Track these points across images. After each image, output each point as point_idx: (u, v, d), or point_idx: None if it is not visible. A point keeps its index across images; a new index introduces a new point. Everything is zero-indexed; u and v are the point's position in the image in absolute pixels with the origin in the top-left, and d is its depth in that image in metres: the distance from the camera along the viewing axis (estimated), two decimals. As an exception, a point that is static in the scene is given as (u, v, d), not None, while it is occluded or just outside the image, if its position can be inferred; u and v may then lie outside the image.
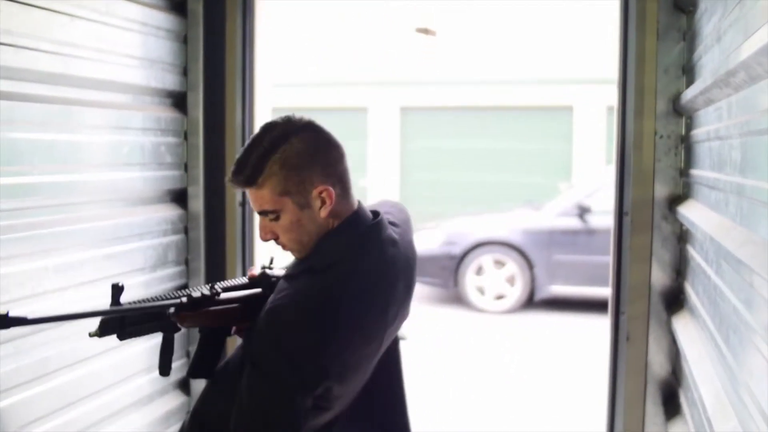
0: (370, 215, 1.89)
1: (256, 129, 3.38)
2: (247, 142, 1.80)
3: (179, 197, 3.30)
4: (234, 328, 1.93)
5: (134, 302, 1.77)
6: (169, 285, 3.22)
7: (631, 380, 2.88)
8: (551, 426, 5.26)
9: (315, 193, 1.77)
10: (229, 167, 3.29)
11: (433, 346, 7.32)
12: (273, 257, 2.02)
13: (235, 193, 3.30)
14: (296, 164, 1.74)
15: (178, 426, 3.27)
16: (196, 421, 1.99)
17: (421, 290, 9.45)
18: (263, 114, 3.38)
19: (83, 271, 2.72)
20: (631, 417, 2.88)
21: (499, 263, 8.90)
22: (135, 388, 3.05)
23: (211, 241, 3.34)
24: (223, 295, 1.85)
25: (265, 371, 1.67)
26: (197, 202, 3.31)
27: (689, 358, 2.31)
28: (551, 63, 13.55)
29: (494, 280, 8.89)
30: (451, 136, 14.25)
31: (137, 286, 3.01)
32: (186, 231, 3.32)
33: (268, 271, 1.94)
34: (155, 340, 3.11)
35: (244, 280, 1.95)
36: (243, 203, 3.35)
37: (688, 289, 2.62)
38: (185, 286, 3.32)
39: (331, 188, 1.78)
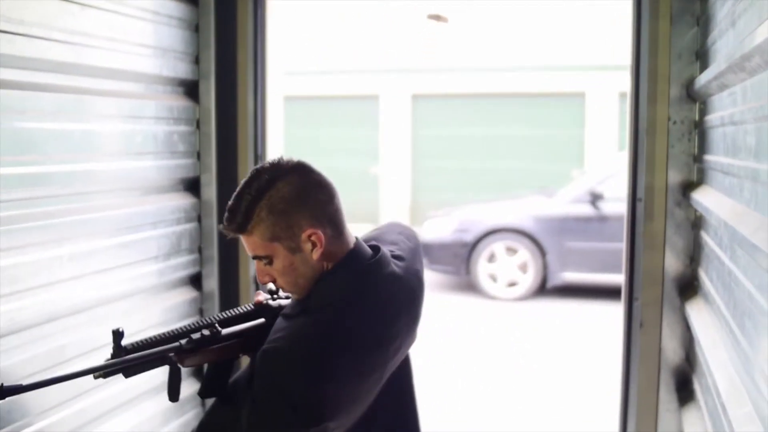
0: (369, 252, 1.88)
1: (268, 117, 3.40)
2: (238, 188, 1.81)
3: (192, 186, 3.31)
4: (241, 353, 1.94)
5: (135, 344, 1.81)
6: (183, 273, 3.23)
7: (644, 367, 2.88)
8: (565, 413, 5.26)
9: (304, 236, 1.77)
10: (242, 155, 3.33)
11: (445, 334, 7.33)
12: (277, 289, 2.01)
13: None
14: (283, 209, 1.75)
15: (191, 414, 3.31)
16: None
17: (433, 278, 9.49)
18: (275, 102, 3.38)
19: (97, 259, 2.73)
20: (645, 403, 2.88)
21: (512, 250, 8.89)
22: (149, 375, 3.05)
23: (224, 230, 3.35)
24: (225, 331, 1.85)
25: (263, 411, 1.71)
26: (210, 191, 3.31)
27: (703, 344, 2.30)
28: (563, 49, 13.50)
29: (506, 268, 8.89)
30: (463, 123, 14.23)
31: (151, 274, 3.03)
32: (199, 219, 3.33)
33: (271, 302, 1.96)
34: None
35: (249, 307, 1.96)
36: (256, 190, 3.35)
37: (702, 275, 2.62)
38: (199, 275, 3.33)
39: (320, 231, 1.78)
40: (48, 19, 2.45)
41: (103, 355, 2.77)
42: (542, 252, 8.76)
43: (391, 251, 1.95)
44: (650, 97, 2.79)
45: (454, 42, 13.94)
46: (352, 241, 1.87)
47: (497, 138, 14.00)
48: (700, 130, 2.74)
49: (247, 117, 3.30)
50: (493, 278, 8.92)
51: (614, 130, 13.51)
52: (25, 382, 1.67)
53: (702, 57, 2.68)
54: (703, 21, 2.67)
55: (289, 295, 1.92)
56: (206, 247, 3.34)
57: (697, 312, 2.56)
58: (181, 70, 3.19)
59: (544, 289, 8.82)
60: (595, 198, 8.61)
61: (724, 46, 2.22)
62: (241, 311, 1.94)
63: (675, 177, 2.79)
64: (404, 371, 2.04)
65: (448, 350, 6.86)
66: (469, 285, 9.07)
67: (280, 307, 1.92)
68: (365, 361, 1.79)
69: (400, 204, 14.62)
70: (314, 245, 1.78)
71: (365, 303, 1.82)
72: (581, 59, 13.41)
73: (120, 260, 2.85)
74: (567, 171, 11.63)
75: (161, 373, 3.09)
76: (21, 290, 2.37)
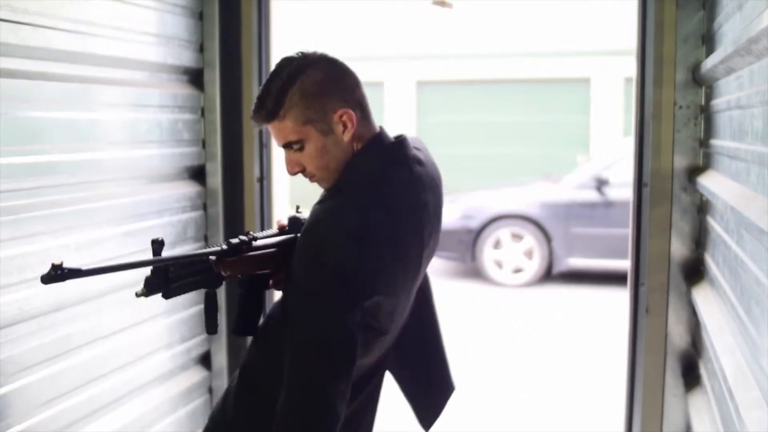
0: (392, 137, 1.93)
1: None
2: (267, 78, 1.83)
3: (197, 174, 3.31)
4: (271, 282, 1.96)
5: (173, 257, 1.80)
6: (189, 261, 3.23)
7: (650, 352, 2.88)
8: (570, 399, 5.27)
9: (336, 117, 1.80)
10: (247, 143, 3.33)
11: (451, 320, 7.34)
12: (299, 205, 2.07)
13: (253, 169, 3.31)
14: (315, 92, 1.78)
15: (199, 401, 3.33)
16: (244, 380, 1.99)
17: (438, 264, 9.50)
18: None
19: (104, 248, 2.74)
20: (651, 388, 2.88)
21: (517, 237, 8.89)
22: (156, 363, 3.08)
23: (230, 217, 3.35)
24: (260, 242, 1.88)
25: (311, 290, 1.69)
26: (215, 179, 3.32)
27: (710, 329, 2.31)
28: (568, 35, 13.45)
29: (512, 254, 8.89)
30: (467, 109, 14.21)
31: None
32: (205, 207, 3.33)
33: (297, 214, 2.00)
34: (174, 316, 3.15)
35: (275, 230, 1.99)
36: (261, 179, 3.36)
37: (708, 260, 2.61)
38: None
39: (351, 111, 1.81)
40: (52, 8, 2.45)
41: (109, 344, 2.81)
42: (548, 238, 8.76)
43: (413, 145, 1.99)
44: (656, 82, 2.78)
45: (459, 28, 13.89)
46: (377, 127, 1.91)
47: (502, 124, 13.98)
48: (706, 115, 2.73)
49: (252, 105, 3.29)
50: (499, 264, 8.92)
51: (619, 116, 13.48)
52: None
53: (708, 41, 2.67)
54: (709, 5, 2.66)
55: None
56: (212, 235, 3.35)
57: (703, 297, 2.56)
58: (186, 58, 3.19)
59: (549, 276, 8.82)
60: (600, 184, 8.60)
61: (730, 30, 2.21)
62: (270, 232, 1.97)
63: (681, 162, 2.78)
64: (427, 289, 2.16)
65: (453, 336, 6.87)
66: (474, 271, 9.08)
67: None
68: (405, 235, 1.82)
69: (405, 191, 14.60)
70: (345, 126, 1.81)
71: (398, 179, 1.84)
72: (586, 44, 13.37)
73: (126, 248, 2.85)
74: (572, 157, 11.60)
75: (168, 361, 3.12)
76: (29, 279, 2.38)
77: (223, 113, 3.30)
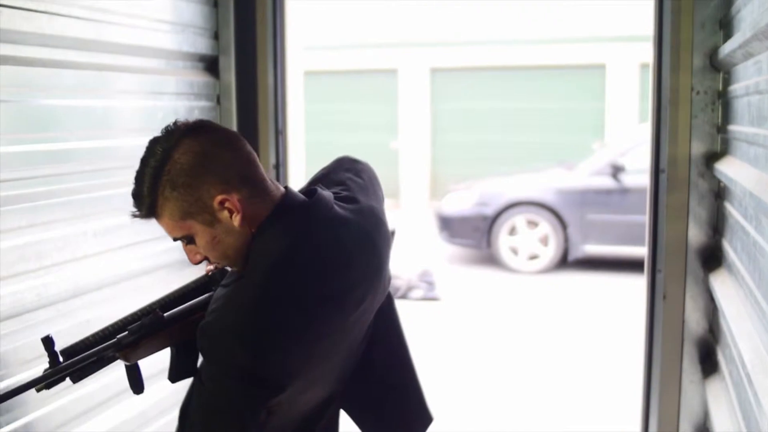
0: (302, 200, 1.69)
1: (288, 92, 3.39)
2: (137, 167, 1.63)
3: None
4: None
5: (71, 347, 1.72)
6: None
7: (667, 338, 2.87)
8: (587, 386, 5.27)
9: (216, 205, 1.58)
10: (263, 130, 3.33)
11: (466, 307, 7.35)
12: None
13: (269, 156, 3.31)
14: (186, 182, 1.56)
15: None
16: (182, 417, 1.83)
17: (454, 251, 9.51)
18: (295, 77, 3.38)
19: (121, 234, 2.75)
20: (668, 375, 2.87)
21: (532, 223, 8.88)
22: (155, 358, 3.07)
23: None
24: (168, 313, 1.72)
25: (215, 391, 1.58)
26: (231, 166, 3.32)
27: (727, 315, 2.29)
28: (583, 21, 13.37)
29: (527, 241, 8.89)
30: (482, 96, 14.17)
31: (173, 249, 3.03)
32: (220, 194, 3.34)
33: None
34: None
35: (199, 280, 1.84)
36: (277, 165, 3.36)
37: (726, 246, 2.60)
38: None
39: (233, 195, 1.59)
40: (69, -5, 2.46)
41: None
42: (563, 225, 8.75)
43: (336, 193, 1.77)
44: (673, 67, 2.76)
45: (473, 14, 13.84)
46: (278, 194, 1.67)
47: (517, 111, 13.94)
48: (723, 100, 2.71)
49: (267, 92, 3.30)
50: (514, 251, 8.92)
51: (635, 102, 13.42)
52: None
53: (726, 26, 2.64)
54: (727, -11, 2.64)
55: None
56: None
57: (720, 283, 2.54)
58: (201, 45, 3.19)
59: (565, 262, 8.81)
60: (616, 170, 8.58)
61: (748, 14, 2.19)
62: (191, 286, 1.81)
63: (698, 148, 2.77)
64: (389, 319, 1.94)
65: (471, 321, 6.88)
66: (490, 258, 9.08)
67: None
68: (315, 319, 1.62)
69: (420, 178, 14.61)
70: (231, 212, 1.59)
71: (304, 256, 1.62)
72: (601, 30, 13.29)
73: (142, 236, 2.87)
74: (587, 143, 11.56)
75: (166, 356, 3.13)
76: (47, 266, 2.40)
77: (239, 100, 3.30)
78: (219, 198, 1.58)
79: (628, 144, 8.97)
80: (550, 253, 8.82)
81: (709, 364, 2.76)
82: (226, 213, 1.59)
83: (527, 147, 13.53)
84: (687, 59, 2.74)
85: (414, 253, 9.20)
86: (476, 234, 8.99)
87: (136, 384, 1.79)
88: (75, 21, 2.49)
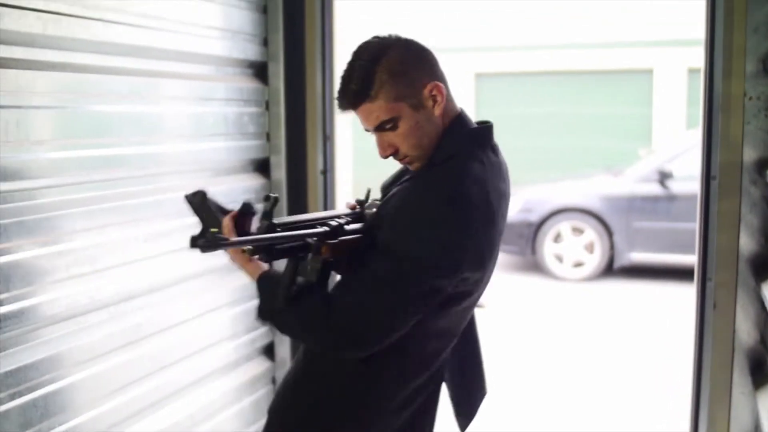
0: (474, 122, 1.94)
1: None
2: (346, 65, 1.82)
3: (262, 166, 3.35)
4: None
5: (284, 222, 1.78)
6: (253, 253, 3.27)
7: (717, 349, 2.82)
8: (634, 395, 5.21)
9: (426, 92, 1.80)
10: (311, 136, 3.35)
11: (511, 314, 7.31)
12: (370, 189, 2.04)
13: (317, 162, 3.33)
14: (402, 69, 1.78)
15: (263, 391, 3.37)
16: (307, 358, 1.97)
17: (498, 258, 9.44)
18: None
19: (171, 239, 2.78)
20: (718, 386, 2.83)
21: (578, 230, 8.81)
22: (222, 354, 3.13)
23: (294, 209, 3.38)
24: (352, 226, 1.85)
25: (400, 255, 1.69)
26: (280, 171, 3.35)
27: (780, 325, 2.26)
28: (630, 25, 13.24)
29: (572, 248, 8.82)
30: (527, 101, 14.09)
31: (222, 254, 3.07)
32: (269, 200, 3.36)
33: (364, 199, 2.00)
34: (238, 308, 3.18)
35: (345, 211, 1.98)
36: (324, 171, 3.38)
37: (779, 255, 2.56)
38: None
39: (440, 84, 1.81)
40: (122, 3, 2.50)
41: (177, 334, 2.86)
42: (609, 232, 8.66)
43: None
44: (725, 73, 2.72)
45: (518, 19, 13.78)
46: (459, 107, 1.92)
47: (563, 116, 13.83)
48: (777, 106, 2.67)
49: (316, 98, 3.32)
50: (559, 258, 8.85)
51: (682, 107, 13.24)
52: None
53: (780, 30, 2.61)
54: (781, -7, 2.60)
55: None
56: (275, 227, 3.38)
57: (773, 293, 2.50)
58: (251, 51, 3.23)
59: (610, 270, 8.72)
60: (663, 177, 8.47)
61: (804, 19, 2.16)
62: (338, 213, 1.95)
63: (751, 154, 2.72)
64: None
65: (516, 329, 6.84)
66: (534, 265, 9.02)
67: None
68: (494, 214, 1.81)
69: (463, 184, 14.54)
70: (435, 100, 1.81)
71: (486, 157, 1.85)
72: (649, 35, 13.15)
73: (191, 241, 2.90)
74: (634, 149, 11.42)
75: (232, 351, 3.16)
76: (100, 269, 2.44)
77: (287, 106, 3.33)
78: (430, 86, 1.80)
79: (675, 150, 8.85)
80: (595, 260, 8.73)
81: (760, 376, 2.71)
82: (431, 102, 1.81)
83: (573, 153, 13.42)
84: (740, 64, 2.70)
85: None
86: (521, 241, 8.93)
87: (325, 278, 1.80)
88: (128, 28, 2.54)
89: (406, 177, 1.91)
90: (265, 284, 1.85)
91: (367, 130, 1.85)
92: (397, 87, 1.77)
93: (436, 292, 1.74)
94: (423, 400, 1.96)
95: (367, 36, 1.88)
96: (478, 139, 1.89)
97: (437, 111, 1.82)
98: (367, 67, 1.77)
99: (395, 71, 1.77)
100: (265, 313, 1.86)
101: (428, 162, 1.84)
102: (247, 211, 1.81)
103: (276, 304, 1.78)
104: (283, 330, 1.91)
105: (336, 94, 1.82)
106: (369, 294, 1.71)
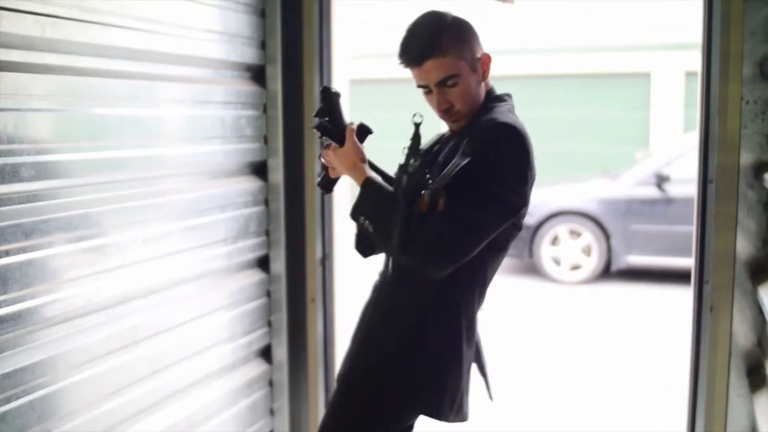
0: None
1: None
2: (408, 29, 2.06)
3: (259, 169, 3.35)
4: None
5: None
6: (251, 256, 3.28)
7: (714, 351, 2.83)
8: (631, 398, 5.21)
9: (481, 58, 2.06)
10: (308, 139, 3.36)
11: (509, 317, 7.31)
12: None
13: (314, 165, 3.33)
14: (465, 35, 2.03)
15: (260, 393, 3.37)
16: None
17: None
18: (341, 85, 3.40)
19: (169, 242, 2.79)
20: (714, 388, 2.84)
21: (575, 233, 8.82)
22: (219, 356, 3.13)
23: (291, 213, 3.38)
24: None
25: (490, 184, 1.97)
26: (277, 174, 3.35)
27: (777, 328, 2.26)
28: (628, 29, 13.25)
29: (570, 251, 8.82)
30: (524, 105, 13.79)
31: (219, 257, 3.08)
32: (266, 203, 3.37)
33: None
34: (236, 310, 3.19)
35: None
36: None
37: (775, 258, 2.57)
38: (266, 258, 3.38)
39: (490, 55, 2.07)
40: (121, 7, 2.50)
41: (174, 336, 2.86)
42: (606, 235, 8.67)
43: None
44: (722, 76, 2.72)
45: (516, 23, 13.79)
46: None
47: (560, 120, 13.83)
48: (774, 110, 2.68)
49: (314, 101, 3.32)
50: (557, 261, 8.86)
51: (680, 111, 13.25)
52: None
53: (777, 34, 2.61)
54: (778, -3, 2.60)
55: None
56: (273, 230, 3.39)
57: (770, 295, 2.51)
58: (248, 55, 3.23)
59: (608, 273, 8.73)
60: (661, 180, 8.48)
61: (800, 24, 2.17)
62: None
63: (747, 158, 2.73)
64: None
65: (513, 331, 6.85)
66: (532, 268, 9.02)
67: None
68: (533, 164, 2.07)
69: (461, 187, 14.53)
70: (485, 68, 2.08)
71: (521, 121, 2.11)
72: (646, 38, 13.16)
73: (190, 243, 2.91)
74: (631, 153, 11.42)
75: (230, 354, 3.17)
76: (98, 272, 2.44)
77: (285, 109, 3.33)
78: (484, 55, 2.07)
79: (673, 153, 8.86)
80: (592, 263, 8.74)
81: (757, 378, 2.72)
82: (481, 69, 2.07)
83: (570, 156, 13.42)
84: (737, 68, 2.70)
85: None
86: (518, 243, 8.92)
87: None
88: (127, 31, 2.54)
89: (448, 136, 2.20)
90: (371, 191, 2.06)
91: (422, 87, 2.06)
92: (461, 48, 2.00)
93: (513, 210, 2.01)
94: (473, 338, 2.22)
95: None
96: (508, 104, 2.15)
97: (484, 78, 2.08)
98: (435, 27, 2.00)
99: (460, 35, 2.01)
100: (360, 215, 2.08)
101: (472, 120, 2.08)
102: (366, 129, 2.12)
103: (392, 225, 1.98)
104: (377, 232, 2.05)
105: (399, 51, 2.01)
106: (463, 211, 1.94)
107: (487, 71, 2.08)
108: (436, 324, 2.12)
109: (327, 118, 2.10)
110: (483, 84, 2.10)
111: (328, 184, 2.28)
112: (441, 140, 2.26)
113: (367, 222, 2.05)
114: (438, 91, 2.04)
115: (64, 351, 2.34)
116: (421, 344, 2.12)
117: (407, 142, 2.06)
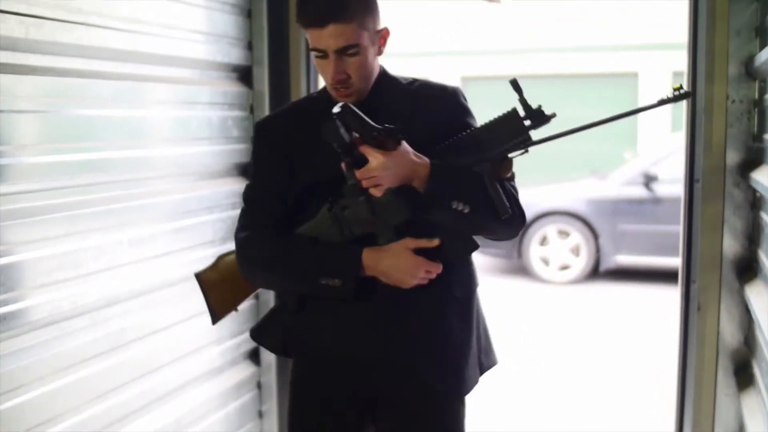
0: None
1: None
2: None
3: (246, 171, 3.33)
4: None
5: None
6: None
7: (701, 350, 2.84)
8: (619, 397, 5.22)
9: (381, 32, 1.93)
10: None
11: (497, 317, 7.30)
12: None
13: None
14: (371, 4, 1.88)
15: (248, 396, 3.36)
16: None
17: (484, 261, 9.46)
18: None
19: (155, 244, 2.78)
20: (702, 387, 2.84)
21: (564, 233, 8.83)
22: (207, 358, 3.11)
23: (278, 214, 3.37)
24: None
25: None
26: (264, 176, 3.33)
27: (764, 327, 2.27)
28: (615, 29, 13.30)
29: (559, 251, 8.83)
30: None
31: (207, 258, 3.05)
32: (253, 204, 3.35)
33: None
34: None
35: None
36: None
37: (762, 257, 2.57)
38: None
39: (389, 29, 1.95)
40: (106, 7, 2.49)
41: (161, 339, 2.84)
42: (595, 235, 8.68)
43: None
44: (708, 76, 2.73)
45: (504, 23, 13.82)
46: None
47: (548, 120, 13.85)
48: (759, 109, 2.69)
49: (300, 102, 3.31)
50: (545, 261, 8.87)
51: (667, 111, 13.29)
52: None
53: (762, 34, 2.62)
54: (763, -3, 2.61)
55: None
56: (261, 232, 3.37)
57: (756, 294, 2.51)
58: (235, 55, 3.22)
59: (596, 273, 8.74)
60: (648, 180, 8.50)
61: (785, 23, 2.18)
62: None
63: (734, 157, 2.74)
64: None
65: (498, 333, 6.84)
66: (520, 268, 9.03)
67: None
68: None
69: (450, 187, 14.56)
70: (382, 43, 1.95)
71: None
72: (634, 38, 13.21)
73: (177, 245, 2.89)
74: (619, 153, 11.47)
75: (217, 356, 3.15)
76: (84, 274, 2.43)
77: (272, 110, 3.32)
78: (384, 30, 1.93)
79: (660, 153, 8.88)
80: (581, 263, 8.75)
81: (744, 377, 2.73)
82: (379, 43, 1.93)
83: (558, 156, 13.38)
84: (722, 67, 2.71)
85: (444, 263, 9.15)
86: (507, 244, 8.92)
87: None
88: (112, 32, 2.53)
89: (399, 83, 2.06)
90: (447, 172, 1.99)
91: (315, 51, 1.86)
92: (366, 18, 1.85)
93: None
94: None
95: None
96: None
97: (381, 52, 1.94)
98: None
99: (368, 2, 1.86)
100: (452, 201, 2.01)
101: (380, 90, 1.97)
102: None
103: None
104: (473, 211, 2.04)
105: (299, 8, 1.85)
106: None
107: (384, 45, 1.94)
108: (476, 295, 2.38)
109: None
110: (378, 59, 1.96)
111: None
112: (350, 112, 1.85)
113: (461, 205, 1.97)
114: (336, 58, 1.84)
115: (49, 354, 2.32)
116: (477, 318, 2.38)
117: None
